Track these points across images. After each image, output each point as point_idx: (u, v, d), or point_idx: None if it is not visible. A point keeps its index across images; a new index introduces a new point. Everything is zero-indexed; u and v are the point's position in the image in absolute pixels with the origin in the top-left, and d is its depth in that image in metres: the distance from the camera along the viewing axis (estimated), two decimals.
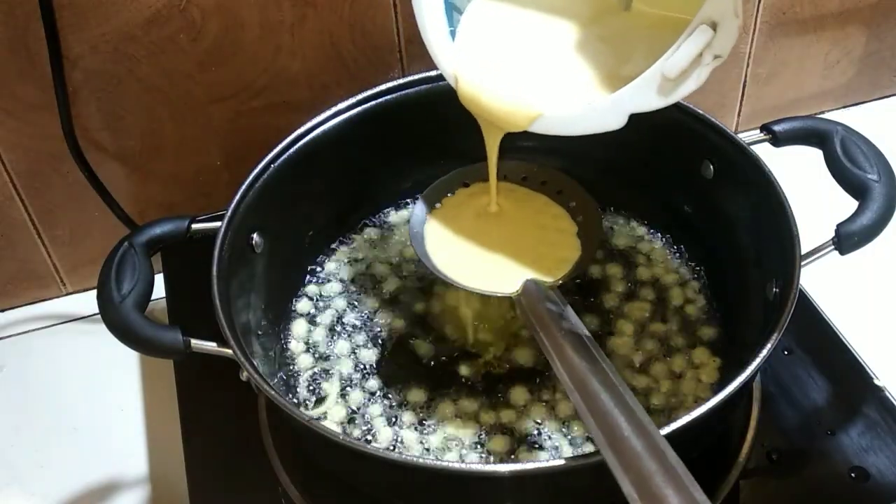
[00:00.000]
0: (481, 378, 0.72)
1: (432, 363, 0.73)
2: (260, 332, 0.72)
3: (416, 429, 0.69)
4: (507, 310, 0.75)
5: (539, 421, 0.68)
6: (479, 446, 0.67)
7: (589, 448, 0.66)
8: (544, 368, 0.71)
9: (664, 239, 0.82)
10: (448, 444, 0.67)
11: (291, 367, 0.74)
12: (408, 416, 0.69)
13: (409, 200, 0.86)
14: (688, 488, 0.46)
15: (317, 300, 0.79)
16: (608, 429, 0.51)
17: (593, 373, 0.55)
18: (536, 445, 0.67)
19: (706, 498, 0.46)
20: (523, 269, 0.68)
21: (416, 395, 0.71)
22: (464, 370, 0.72)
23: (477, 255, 0.70)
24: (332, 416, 0.70)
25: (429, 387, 0.71)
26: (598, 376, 0.55)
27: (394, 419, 0.70)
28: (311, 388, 0.73)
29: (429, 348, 0.74)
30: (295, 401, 0.72)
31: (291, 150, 0.74)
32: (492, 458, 0.66)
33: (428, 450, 0.67)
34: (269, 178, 0.73)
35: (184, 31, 0.80)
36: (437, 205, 0.74)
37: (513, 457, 0.66)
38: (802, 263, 0.64)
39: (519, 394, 0.70)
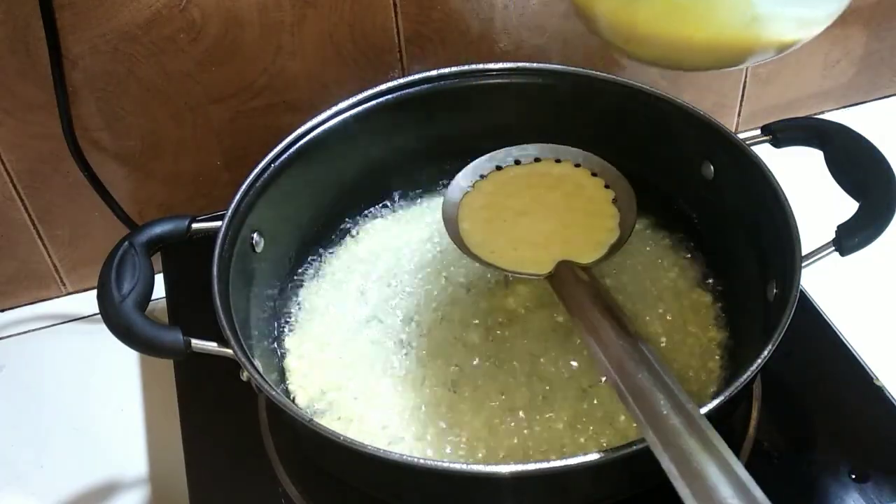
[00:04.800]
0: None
1: (440, 360, 0.73)
2: (261, 332, 0.72)
3: (421, 425, 0.69)
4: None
5: None
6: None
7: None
8: None
9: (664, 239, 0.82)
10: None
11: (292, 367, 0.74)
12: (415, 411, 0.69)
13: (409, 199, 0.86)
14: (730, 464, 0.46)
15: (318, 298, 0.79)
16: (647, 407, 0.51)
17: (630, 352, 0.55)
18: None
19: (748, 475, 0.46)
20: (558, 250, 0.67)
21: (422, 390, 0.71)
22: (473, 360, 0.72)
23: (511, 236, 0.69)
24: (335, 413, 0.70)
25: (435, 384, 0.71)
26: (634, 355, 0.55)
27: (398, 414, 0.70)
28: (312, 386, 0.73)
29: (441, 343, 0.74)
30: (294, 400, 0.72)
31: (291, 150, 0.74)
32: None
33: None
34: (269, 178, 0.73)
35: (184, 31, 0.80)
36: (469, 188, 0.73)
37: None
38: (803, 265, 0.64)
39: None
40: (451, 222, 0.71)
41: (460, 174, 0.74)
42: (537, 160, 0.74)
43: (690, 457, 0.47)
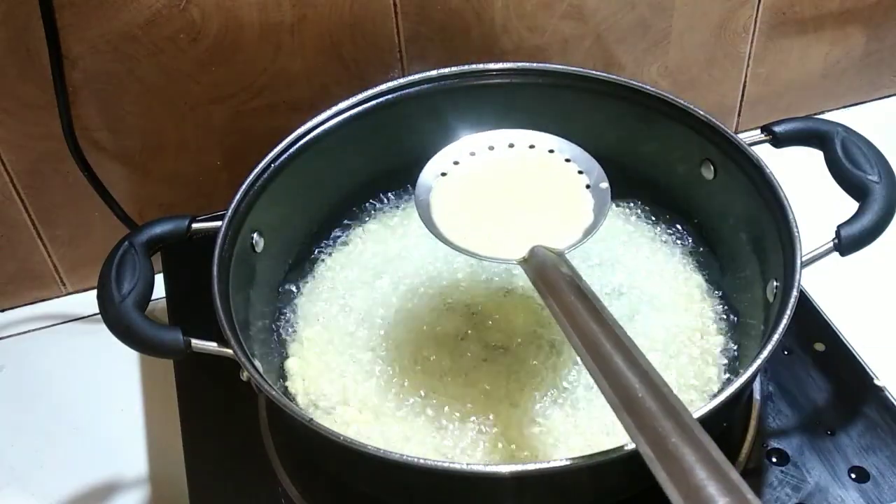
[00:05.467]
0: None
1: (441, 361, 0.73)
2: (260, 332, 0.72)
3: (420, 425, 0.69)
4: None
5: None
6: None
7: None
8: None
9: (663, 239, 0.82)
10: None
11: (292, 367, 0.74)
12: (413, 409, 0.69)
13: (409, 200, 0.86)
14: (705, 446, 0.46)
15: (317, 299, 0.79)
16: (622, 390, 0.51)
17: (605, 335, 0.55)
18: None
19: (723, 455, 0.46)
20: (532, 235, 0.67)
21: (422, 389, 0.71)
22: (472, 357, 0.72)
23: (485, 222, 0.69)
24: (335, 414, 0.70)
25: (436, 383, 0.71)
26: (609, 338, 0.54)
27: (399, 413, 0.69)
28: (312, 386, 0.73)
29: (435, 344, 0.74)
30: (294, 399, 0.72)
31: (291, 150, 0.74)
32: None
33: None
34: (268, 178, 0.73)
35: (184, 31, 0.80)
36: (443, 173, 0.73)
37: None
38: (803, 265, 0.63)
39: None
40: (425, 207, 0.70)
41: (433, 159, 0.73)
42: (511, 146, 0.73)
43: (666, 440, 0.47)
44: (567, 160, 0.72)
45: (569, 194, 0.70)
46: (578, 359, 0.57)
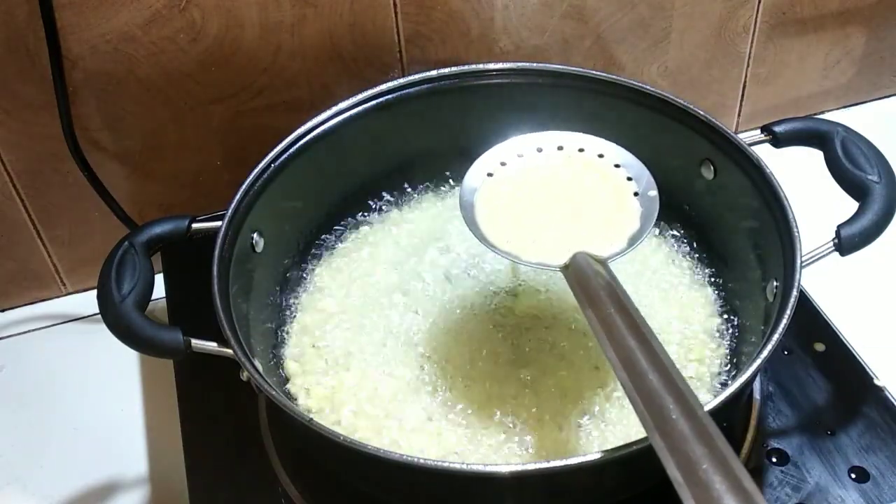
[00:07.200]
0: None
1: (442, 363, 0.73)
2: (260, 332, 0.72)
3: (421, 426, 0.69)
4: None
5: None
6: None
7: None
8: None
9: (664, 239, 0.82)
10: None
11: (293, 367, 0.74)
12: (413, 410, 0.69)
13: (409, 200, 0.86)
14: (737, 476, 0.45)
15: (317, 298, 0.79)
16: (655, 410, 0.50)
17: (642, 351, 0.54)
18: None
19: (755, 487, 0.45)
20: (576, 241, 0.66)
21: (423, 393, 0.71)
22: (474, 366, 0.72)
23: (528, 225, 0.68)
24: (335, 414, 0.70)
25: (437, 385, 0.71)
26: (647, 355, 0.53)
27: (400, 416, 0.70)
28: (312, 387, 0.73)
29: (439, 348, 0.74)
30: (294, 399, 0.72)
31: (291, 150, 0.74)
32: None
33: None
34: (269, 178, 0.73)
35: (184, 31, 0.80)
36: (490, 174, 0.72)
37: None
38: (803, 265, 0.63)
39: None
40: (468, 209, 0.70)
41: (480, 159, 0.72)
42: (560, 148, 0.72)
43: (696, 465, 0.46)
44: (616, 165, 0.71)
45: (616, 201, 0.69)
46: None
